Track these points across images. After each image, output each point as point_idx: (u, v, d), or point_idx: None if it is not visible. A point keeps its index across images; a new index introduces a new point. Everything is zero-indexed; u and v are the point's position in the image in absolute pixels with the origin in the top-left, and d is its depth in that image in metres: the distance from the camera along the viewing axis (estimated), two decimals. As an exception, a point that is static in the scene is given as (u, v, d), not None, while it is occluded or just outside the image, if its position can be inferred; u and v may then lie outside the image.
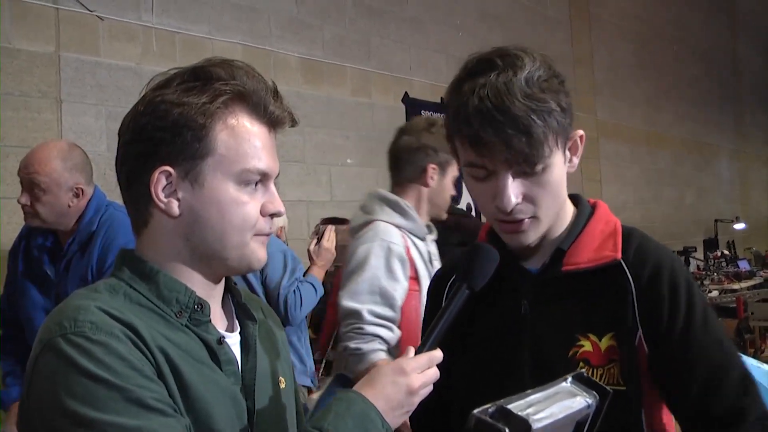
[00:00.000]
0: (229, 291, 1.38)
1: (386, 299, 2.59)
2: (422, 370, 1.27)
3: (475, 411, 1.03)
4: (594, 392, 1.16)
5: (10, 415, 3.07)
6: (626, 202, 10.37)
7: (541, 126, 1.32)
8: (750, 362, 3.05)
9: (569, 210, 1.55)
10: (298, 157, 5.67)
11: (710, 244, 11.31)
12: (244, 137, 1.23)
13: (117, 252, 1.32)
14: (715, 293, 8.59)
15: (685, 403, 1.44)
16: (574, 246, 1.48)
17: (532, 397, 1.10)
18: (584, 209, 1.55)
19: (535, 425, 1.01)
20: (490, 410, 1.03)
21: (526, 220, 1.40)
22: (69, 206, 2.92)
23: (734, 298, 7.85)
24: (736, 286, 8.81)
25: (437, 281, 1.73)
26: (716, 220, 11.79)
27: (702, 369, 1.40)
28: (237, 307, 1.38)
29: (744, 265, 10.27)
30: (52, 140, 2.93)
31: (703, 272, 10.00)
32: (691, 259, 10.25)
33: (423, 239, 2.83)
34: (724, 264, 10.23)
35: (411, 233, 2.78)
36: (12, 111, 4.13)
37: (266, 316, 1.48)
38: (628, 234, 1.52)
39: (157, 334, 1.16)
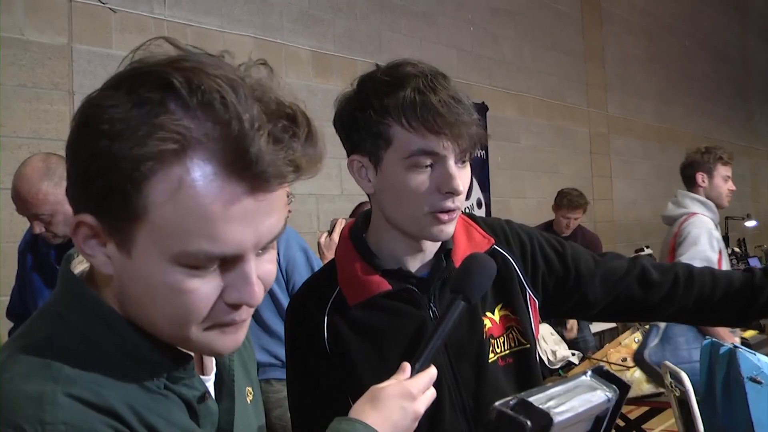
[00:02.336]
0: None
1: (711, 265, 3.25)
2: (425, 391, 1.25)
3: (497, 404, 1.02)
4: (614, 386, 1.16)
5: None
6: (636, 198, 10.34)
7: (477, 117, 1.42)
8: (766, 361, 3.04)
9: None
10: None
11: (720, 241, 11.26)
12: (189, 207, 0.81)
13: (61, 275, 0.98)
14: (725, 290, 8.55)
15: (646, 299, 1.67)
16: (454, 244, 1.55)
17: (552, 390, 1.10)
18: None
19: (557, 418, 1.01)
20: (511, 403, 1.03)
21: (456, 210, 1.46)
22: None
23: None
24: (746, 284, 8.74)
25: None
26: (727, 218, 11.72)
27: (611, 269, 1.66)
28: None
29: (755, 263, 10.20)
30: (25, 166, 2.88)
31: (714, 269, 9.96)
32: (700, 256, 10.21)
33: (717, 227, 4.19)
34: (734, 261, 10.17)
35: (714, 222, 4.18)
36: (25, 102, 4.14)
37: None
38: (478, 219, 1.65)
39: (139, 407, 0.89)
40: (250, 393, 1.14)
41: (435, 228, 1.44)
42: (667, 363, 4.08)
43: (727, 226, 11.70)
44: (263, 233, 0.86)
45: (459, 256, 1.52)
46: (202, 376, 1.01)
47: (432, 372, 1.27)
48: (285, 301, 3.35)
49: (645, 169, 10.73)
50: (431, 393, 1.26)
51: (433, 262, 1.53)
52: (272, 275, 0.92)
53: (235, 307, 0.88)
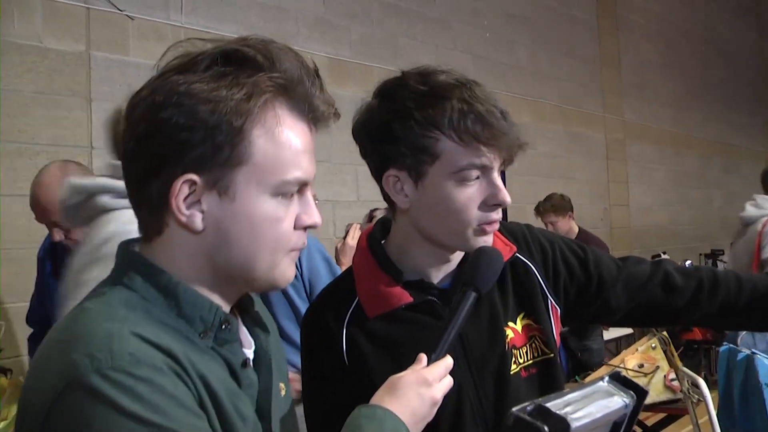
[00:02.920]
0: (239, 300, 1.20)
1: None
2: (441, 380, 1.25)
3: (514, 409, 1.02)
4: (631, 392, 1.15)
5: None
6: (653, 204, 10.30)
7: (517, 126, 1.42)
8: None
9: None
10: (324, 156, 5.66)
11: (738, 248, 11.19)
12: (285, 143, 1.04)
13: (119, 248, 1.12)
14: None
15: (669, 304, 1.64)
16: None
17: (570, 396, 1.09)
18: None
19: (574, 424, 1.01)
20: (528, 408, 1.02)
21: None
22: None
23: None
24: (764, 290, 8.69)
25: None
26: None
27: (634, 274, 1.64)
28: (247, 316, 1.22)
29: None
30: (43, 174, 2.90)
31: (731, 275, 9.90)
32: (718, 262, 10.15)
33: None
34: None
35: None
36: (43, 109, 4.18)
37: (270, 323, 1.34)
38: (503, 228, 1.61)
39: (193, 359, 1.00)
40: (283, 389, 1.24)
41: (480, 239, 1.43)
42: (685, 369, 4.06)
43: (745, 232, 11.64)
44: (314, 165, 1.10)
45: None
46: (244, 349, 1.14)
47: (448, 361, 1.27)
48: (300, 303, 3.32)
49: (661, 174, 10.69)
50: (448, 381, 1.26)
51: (455, 272, 1.52)
52: (318, 217, 1.13)
53: (304, 231, 1.10)
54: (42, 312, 3.20)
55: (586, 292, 1.61)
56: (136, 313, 1.00)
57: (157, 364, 0.94)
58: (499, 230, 1.56)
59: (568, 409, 1.04)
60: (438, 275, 1.51)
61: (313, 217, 1.10)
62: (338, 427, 1.19)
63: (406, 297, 1.47)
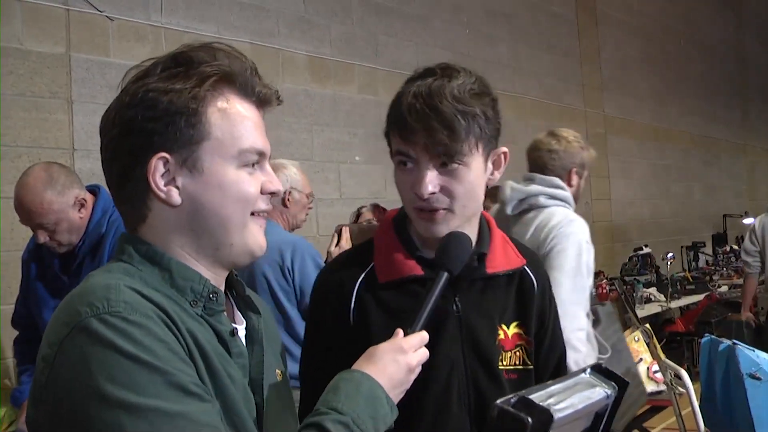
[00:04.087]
0: (230, 284, 1.33)
1: None
2: (416, 349, 1.33)
3: (498, 401, 1.05)
4: (613, 383, 1.18)
5: (23, 413, 3.11)
6: (634, 197, 10.37)
7: (463, 125, 1.47)
8: (765, 358, 3.06)
9: (479, 219, 1.69)
10: (306, 155, 5.67)
11: (719, 240, 11.30)
12: (237, 118, 1.21)
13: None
14: (724, 288, 8.58)
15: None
16: (490, 252, 1.66)
17: (552, 387, 1.12)
18: (483, 219, 1.71)
19: (557, 415, 1.03)
20: (512, 400, 1.05)
21: (441, 211, 1.53)
22: (81, 218, 2.96)
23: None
24: (745, 281, 8.77)
25: None
26: (725, 215, 11.78)
27: (551, 363, 1.75)
28: (239, 299, 1.35)
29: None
30: (27, 176, 2.90)
31: (712, 267, 10.00)
32: (699, 254, 10.25)
33: None
34: (733, 259, 10.22)
35: None
36: (24, 112, 4.16)
37: (262, 308, 1.44)
38: (515, 242, 1.77)
39: (183, 317, 1.13)
40: (280, 374, 1.37)
41: (422, 225, 1.57)
42: (667, 361, 4.10)
43: (726, 223, 11.76)
44: (268, 142, 1.26)
45: (492, 264, 1.64)
46: (234, 324, 1.27)
47: (423, 335, 1.36)
48: (296, 318, 3.29)
49: (642, 168, 10.76)
50: (423, 351, 1.35)
51: (467, 262, 1.57)
52: (279, 183, 1.29)
53: (267, 197, 1.24)
54: (27, 314, 3.20)
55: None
56: (134, 279, 1.14)
57: (149, 313, 1.07)
58: (516, 245, 1.73)
59: (551, 400, 1.07)
60: None
61: (275, 183, 1.26)
62: (328, 381, 1.28)
63: (417, 270, 1.59)
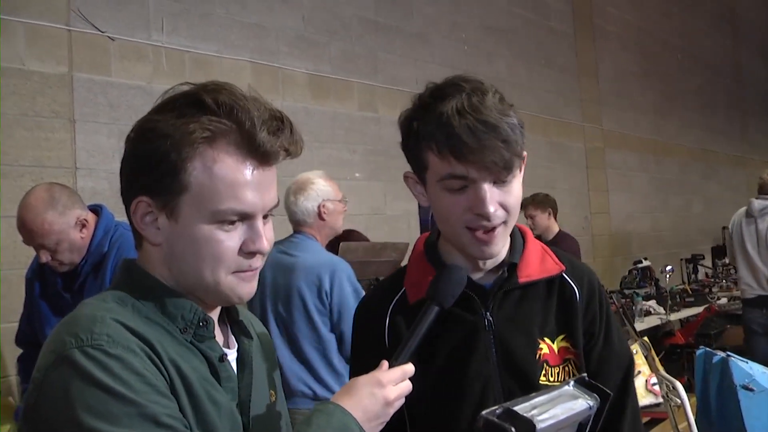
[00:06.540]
0: (225, 308, 1.37)
1: None
2: (397, 383, 1.34)
3: (483, 413, 1.09)
4: (595, 395, 1.22)
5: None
6: (633, 211, 10.41)
7: (514, 137, 1.44)
8: (758, 369, 3.09)
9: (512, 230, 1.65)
10: (306, 171, 5.70)
11: (718, 252, 11.31)
12: (221, 177, 1.19)
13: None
14: (723, 300, 8.59)
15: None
16: (522, 261, 1.61)
17: (536, 399, 1.16)
18: (516, 229, 1.66)
19: (540, 425, 1.07)
20: (497, 412, 1.09)
21: (499, 227, 1.49)
22: (82, 238, 3.00)
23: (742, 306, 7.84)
24: (744, 294, 8.78)
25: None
26: (724, 228, 11.77)
27: (611, 378, 1.61)
28: (233, 324, 1.39)
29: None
30: (29, 196, 2.93)
31: (712, 279, 10.00)
32: (699, 267, 10.26)
33: None
34: (732, 271, 10.23)
35: None
36: (26, 131, 4.21)
37: (257, 331, 1.50)
38: (556, 251, 1.69)
39: (168, 349, 1.18)
40: (273, 395, 1.42)
41: (475, 247, 1.51)
42: (663, 373, 4.12)
43: (725, 236, 11.76)
44: (267, 200, 1.24)
45: (524, 273, 1.59)
46: (226, 349, 1.31)
47: (407, 368, 1.36)
48: (329, 338, 3.32)
49: (641, 182, 10.79)
50: (405, 385, 1.36)
51: (498, 274, 1.59)
52: (273, 238, 1.29)
53: (250, 255, 1.24)
54: (31, 332, 3.23)
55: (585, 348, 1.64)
56: (126, 307, 1.21)
57: (131, 346, 1.13)
58: (555, 253, 1.66)
59: (534, 411, 1.11)
60: (478, 274, 1.60)
61: (257, 243, 1.24)
62: None
63: None
